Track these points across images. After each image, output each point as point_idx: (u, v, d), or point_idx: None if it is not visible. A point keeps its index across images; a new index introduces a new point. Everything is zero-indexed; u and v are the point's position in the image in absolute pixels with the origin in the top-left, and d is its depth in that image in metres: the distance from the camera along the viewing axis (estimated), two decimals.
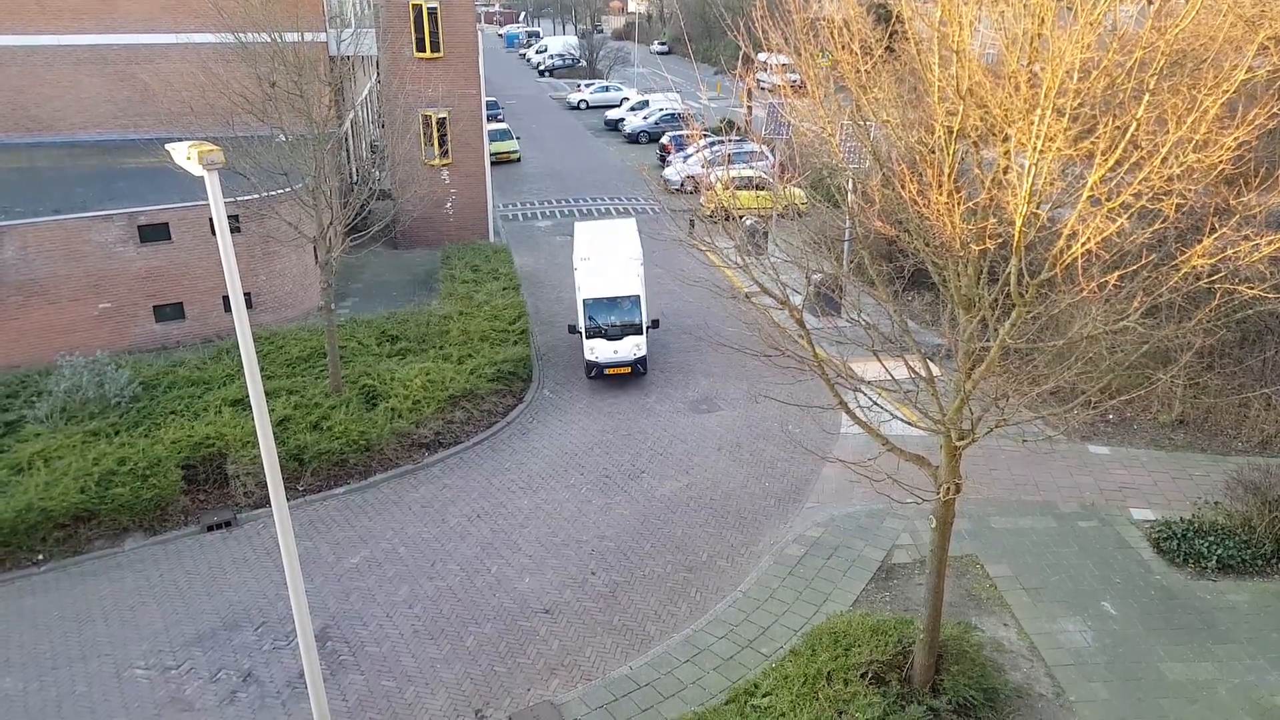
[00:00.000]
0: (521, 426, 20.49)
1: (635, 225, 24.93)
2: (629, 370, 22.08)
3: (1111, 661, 13.25)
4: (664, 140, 44.33)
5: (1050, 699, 12.60)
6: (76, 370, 18.87)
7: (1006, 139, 9.32)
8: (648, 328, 22.26)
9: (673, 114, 49.98)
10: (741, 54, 12.92)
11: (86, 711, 12.65)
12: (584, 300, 22.24)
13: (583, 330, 22.19)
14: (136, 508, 16.30)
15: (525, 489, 18.06)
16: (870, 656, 12.42)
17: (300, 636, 9.42)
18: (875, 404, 11.19)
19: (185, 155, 8.75)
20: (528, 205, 37.79)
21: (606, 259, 22.97)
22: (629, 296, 22.16)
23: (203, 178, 8.77)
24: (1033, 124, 8.76)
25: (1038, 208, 9.23)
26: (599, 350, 22.01)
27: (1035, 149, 8.76)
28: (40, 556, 15.71)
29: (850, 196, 11.42)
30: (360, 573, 15.56)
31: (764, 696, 12.21)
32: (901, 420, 11.49)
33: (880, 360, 11.00)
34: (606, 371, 22.03)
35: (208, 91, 18.37)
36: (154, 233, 22.95)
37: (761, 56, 12.83)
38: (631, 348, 21.99)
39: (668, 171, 39.17)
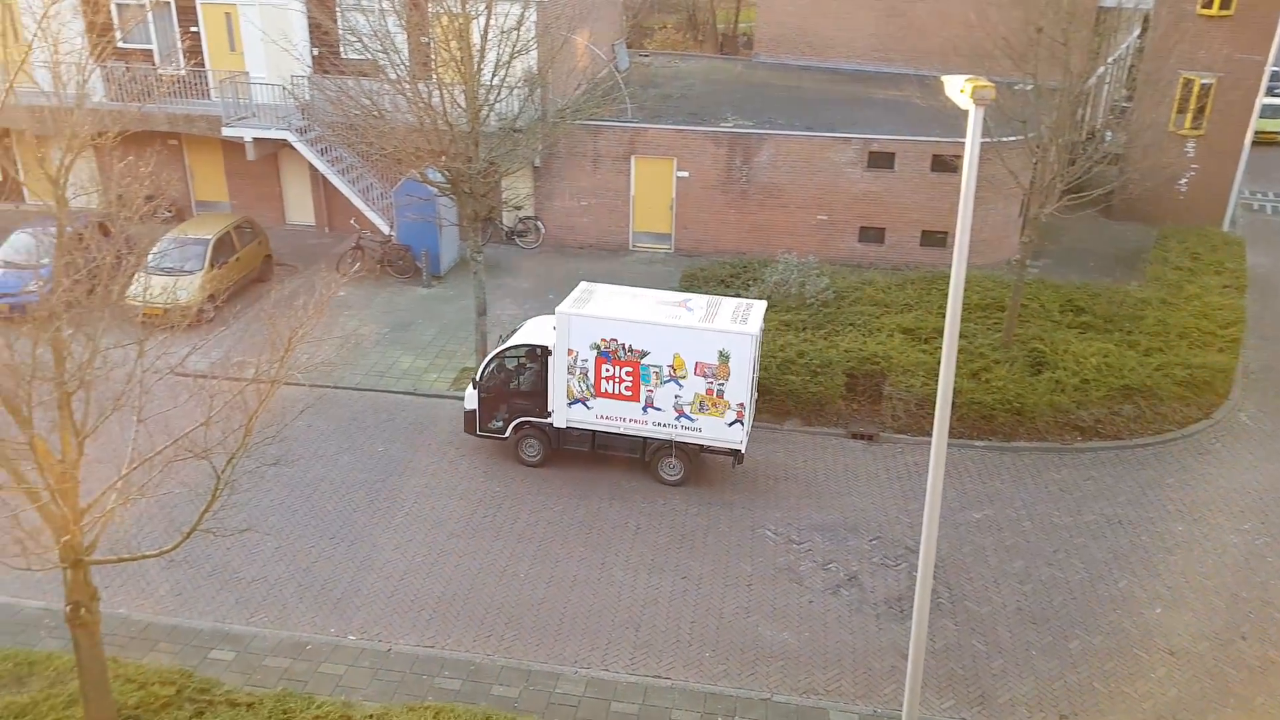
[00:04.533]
0: (1199, 445, 17.91)
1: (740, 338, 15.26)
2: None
3: None
4: None
5: None
6: (789, 268, 21.60)
7: None
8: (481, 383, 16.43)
9: None
10: None
11: (725, 546, 14.92)
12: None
13: None
14: (801, 397, 18.26)
15: (1182, 514, 15.89)
16: None
17: (921, 569, 9.74)
18: None
19: (959, 88, 9.09)
20: None
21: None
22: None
23: (953, 113, 9.06)
24: None
25: None
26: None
27: None
28: None
29: None
30: (979, 530, 15.46)
31: None
32: None
33: None
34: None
35: (975, 31, 18.76)
36: (880, 160, 24.70)
37: None
38: (470, 401, 16.75)
39: None
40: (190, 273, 20.96)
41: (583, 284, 16.86)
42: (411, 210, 23.41)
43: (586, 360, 15.71)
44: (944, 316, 20.72)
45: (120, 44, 24.96)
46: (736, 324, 15.44)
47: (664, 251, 26.58)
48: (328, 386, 18.94)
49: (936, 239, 25.20)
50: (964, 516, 15.77)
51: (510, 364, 16.51)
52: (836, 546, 15.01)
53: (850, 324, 20.32)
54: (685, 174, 25.77)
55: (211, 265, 21.52)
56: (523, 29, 18.02)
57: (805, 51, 32.87)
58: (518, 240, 26.65)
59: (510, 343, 16.57)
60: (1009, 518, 15.79)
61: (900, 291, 21.97)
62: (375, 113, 19.19)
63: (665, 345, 15.42)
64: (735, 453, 16.07)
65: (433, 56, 18.83)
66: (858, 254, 25.58)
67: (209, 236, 21.86)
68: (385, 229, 24.83)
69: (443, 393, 19.23)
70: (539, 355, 16.19)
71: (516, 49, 18.36)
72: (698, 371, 15.45)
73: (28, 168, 24.16)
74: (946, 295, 20.85)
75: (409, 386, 19.46)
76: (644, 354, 15.51)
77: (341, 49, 22.61)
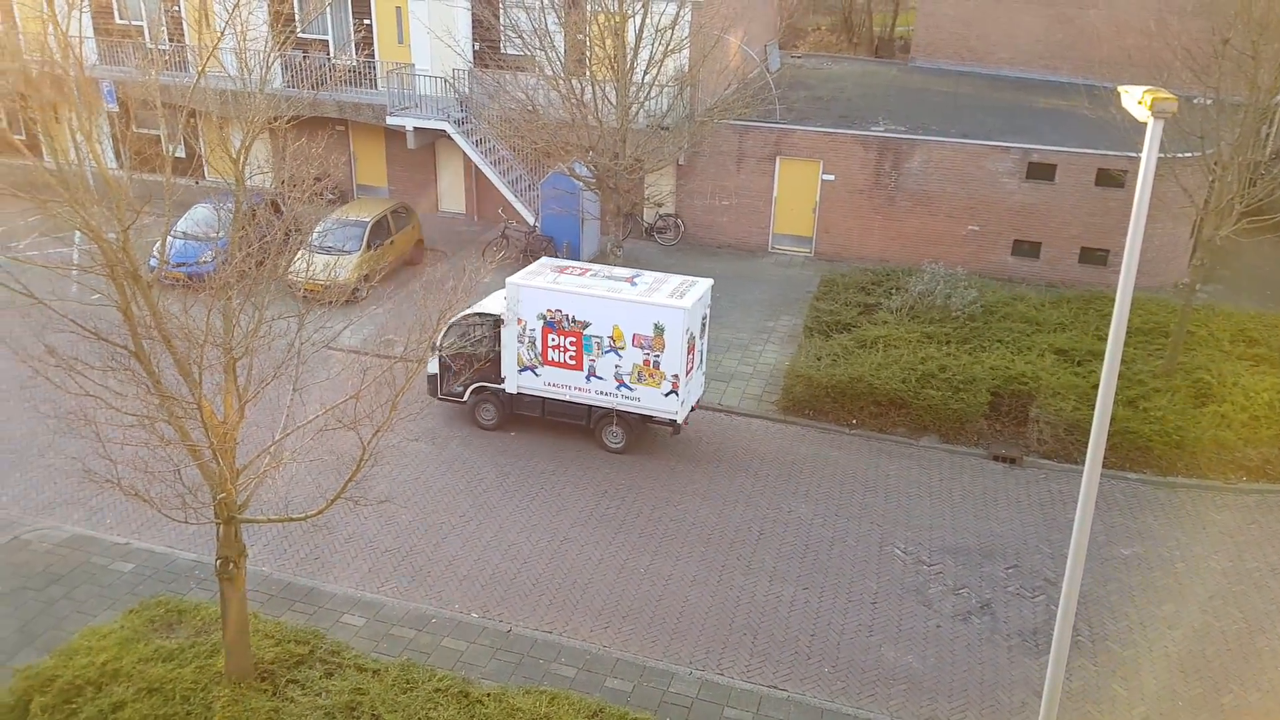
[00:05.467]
0: None
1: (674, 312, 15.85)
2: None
3: None
4: None
5: None
6: (934, 278, 20.87)
7: None
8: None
9: None
10: None
11: (851, 561, 14.58)
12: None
13: None
14: (941, 413, 17.60)
15: None
16: None
17: (1063, 602, 9.22)
18: None
19: (1137, 99, 8.54)
20: None
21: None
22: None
23: (1122, 126, 8.50)
24: None
25: None
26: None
27: None
28: (854, 421, 18.22)
29: None
30: (1127, 567, 14.53)
31: None
32: None
33: None
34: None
35: (1154, 41, 17.62)
36: (1040, 171, 23.57)
37: None
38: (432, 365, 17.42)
39: None
40: (349, 253, 22.04)
41: (542, 258, 18.01)
42: (556, 203, 23.89)
43: (534, 329, 16.62)
44: (1100, 339, 19.69)
45: (300, 34, 26.48)
46: (672, 299, 16.02)
47: (803, 255, 26.17)
48: None
49: (1096, 257, 23.86)
50: (1111, 552, 14.86)
51: (469, 332, 17.65)
52: (969, 571, 14.41)
53: (998, 340, 19.46)
54: (831, 177, 25.29)
55: (368, 247, 22.57)
56: (677, 28, 18.10)
57: (965, 57, 31.69)
58: (657, 237, 26.79)
59: (466, 311, 17.31)
60: (1161, 557, 14.78)
61: (1054, 309, 20.89)
62: (529, 107, 19.68)
63: (605, 317, 16.16)
64: (673, 423, 16.79)
65: (587, 54, 19.17)
66: (1009, 268, 24.49)
67: (367, 219, 22.94)
68: (530, 220, 25.43)
69: None
70: (492, 324, 17.22)
71: (670, 48, 18.46)
72: (635, 343, 16.13)
73: (210, 146, 25.95)
74: (1104, 316, 19.86)
75: None
76: (586, 325, 16.29)
77: (501, 45, 23.32)
